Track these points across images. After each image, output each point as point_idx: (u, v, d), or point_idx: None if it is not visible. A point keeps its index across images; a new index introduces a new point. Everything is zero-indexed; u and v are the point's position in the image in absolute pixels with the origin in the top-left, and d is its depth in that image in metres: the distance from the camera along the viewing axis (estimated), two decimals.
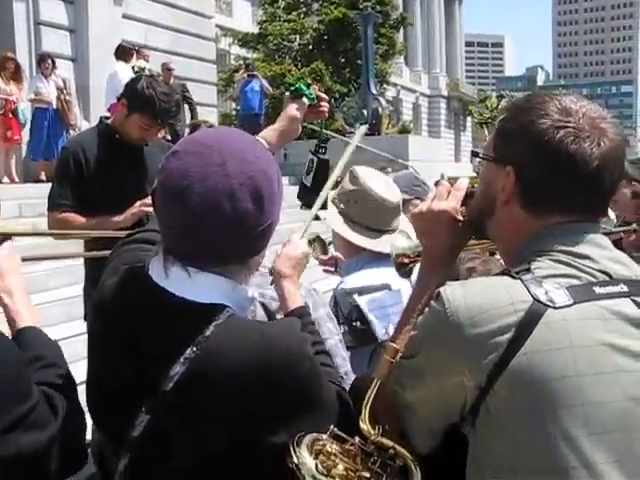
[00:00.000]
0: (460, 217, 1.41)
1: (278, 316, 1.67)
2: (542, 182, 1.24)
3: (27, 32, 11.44)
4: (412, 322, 1.35)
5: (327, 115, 1.98)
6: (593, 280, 1.19)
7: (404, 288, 2.45)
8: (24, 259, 1.68)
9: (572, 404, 1.12)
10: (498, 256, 1.62)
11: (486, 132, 50.94)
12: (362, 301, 2.23)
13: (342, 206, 2.43)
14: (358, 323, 2.19)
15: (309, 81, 2.02)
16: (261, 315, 1.68)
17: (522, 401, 1.13)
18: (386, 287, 2.37)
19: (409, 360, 1.27)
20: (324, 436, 1.23)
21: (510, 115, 1.30)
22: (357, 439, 1.28)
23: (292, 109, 1.88)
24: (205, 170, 1.18)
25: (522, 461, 1.15)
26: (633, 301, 1.18)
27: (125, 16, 12.92)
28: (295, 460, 1.17)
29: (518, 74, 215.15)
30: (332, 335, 1.80)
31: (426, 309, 1.26)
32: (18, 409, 1.22)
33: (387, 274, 2.42)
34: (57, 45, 11.68)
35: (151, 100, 3.27)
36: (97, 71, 11.66)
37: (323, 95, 1.96)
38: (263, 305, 1.70)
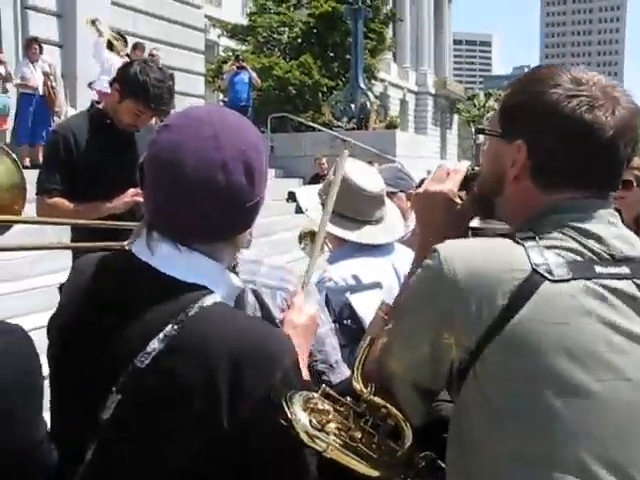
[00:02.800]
0: (457, 199, 1.38)
1: (268, 300, 1.65)
2: (556, 154, 1.19)
3: (13, 17, 11.29)
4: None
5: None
6: (595, 259, 1.15)
7: (394, 285, 2.42)
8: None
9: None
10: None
11: (473, 130, 51.12)
12: (354, 300, 2.19)
13: (324, 197, 2.35)
14: (349, 321, 2.15)
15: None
16: (252, 301, 1.66)
17: (510, 369, 1.10)
18: (377, 286, 2.33)
19: (399, 320, 1.24)
20: (316, 395, 1.20)
21: (517, 89, 1.25)
22: (349, 399, 1.26)
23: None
24: (198, 143, 1.16)
25: (504, 430, 1.11)
26: (635, 284, 1.15)
27: (114, 3, 12.81)
28: (289, 416, 1.12)
29: (506, 73, 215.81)
30: (323, 324, 1.79)
31: (419, 269, 1.23)
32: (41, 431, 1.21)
33: (371, 265, 2.35)
34: (44, 30, 11.55)
35: (145, 85, 3.21)
36: (84, 57, 11.54)
37: None
38: (254, 292, 1.68)
